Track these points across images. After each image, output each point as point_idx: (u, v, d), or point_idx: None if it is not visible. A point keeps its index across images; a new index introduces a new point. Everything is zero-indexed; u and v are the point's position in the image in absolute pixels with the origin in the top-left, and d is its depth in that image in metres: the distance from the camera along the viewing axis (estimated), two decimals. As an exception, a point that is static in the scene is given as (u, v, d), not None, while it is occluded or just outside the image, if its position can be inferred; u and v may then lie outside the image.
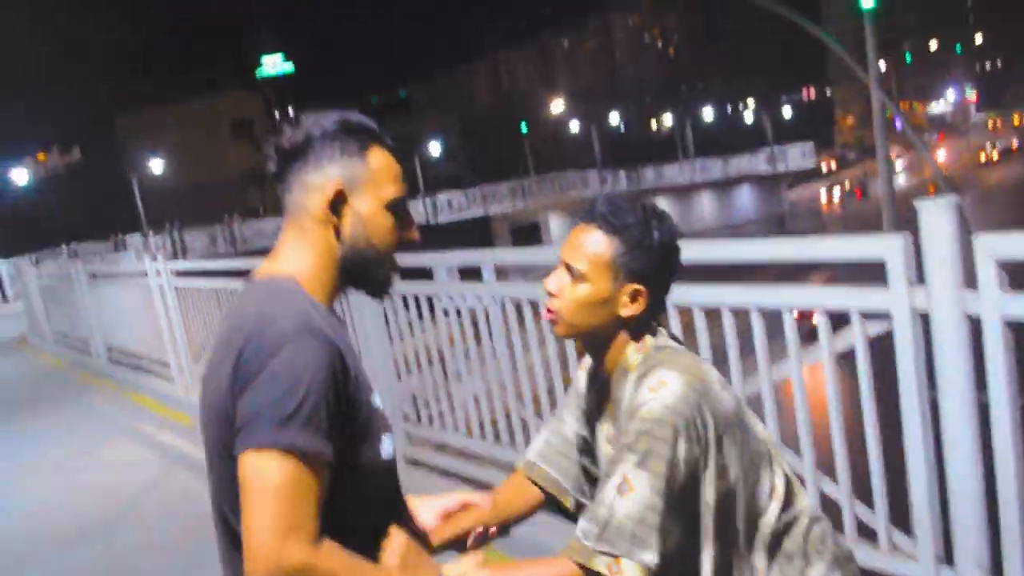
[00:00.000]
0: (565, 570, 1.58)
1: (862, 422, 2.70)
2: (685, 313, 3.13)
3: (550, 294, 1.75)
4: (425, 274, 4.75)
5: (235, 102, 65.67)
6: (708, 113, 77.06)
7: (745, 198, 53.97)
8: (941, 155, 56.97)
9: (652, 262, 1.69)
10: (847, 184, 64.57)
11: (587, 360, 1.92)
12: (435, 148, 64.98)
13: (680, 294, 3.02)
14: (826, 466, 2.90)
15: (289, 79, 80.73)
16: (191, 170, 60.46)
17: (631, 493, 1.56)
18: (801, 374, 2.91)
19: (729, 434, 1.63)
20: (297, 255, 1.52)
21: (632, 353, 1.72)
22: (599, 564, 1.55)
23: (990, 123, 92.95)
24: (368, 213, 1.53)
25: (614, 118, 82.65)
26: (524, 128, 65.07)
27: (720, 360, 2.74)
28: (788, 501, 1.72)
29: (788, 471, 1.76)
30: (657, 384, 1.62)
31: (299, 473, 1.33)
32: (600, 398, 1.86)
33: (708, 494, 1.62)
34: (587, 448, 1.93)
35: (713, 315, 3.06)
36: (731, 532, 1.67)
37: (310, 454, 1.33)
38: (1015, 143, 70.96)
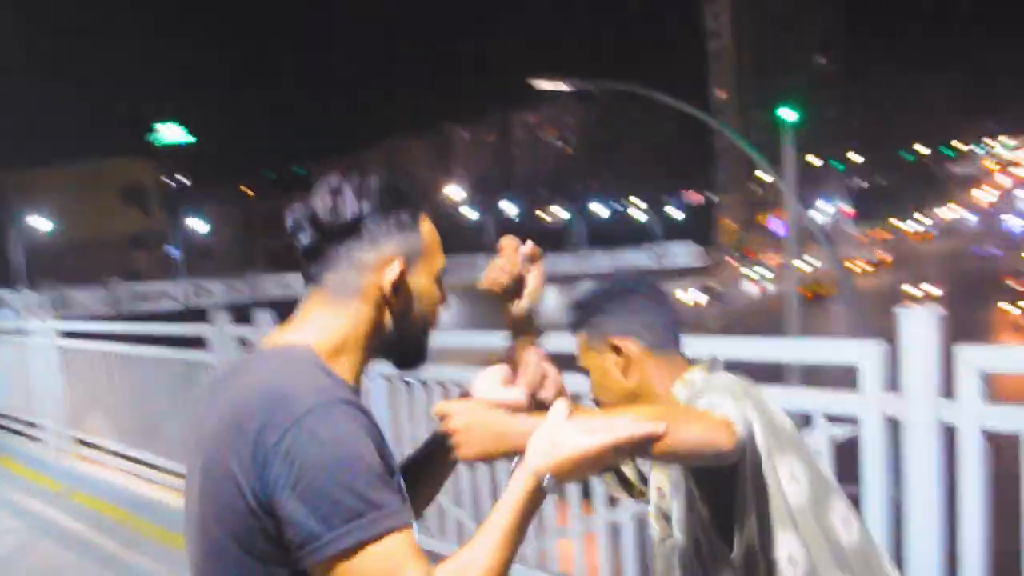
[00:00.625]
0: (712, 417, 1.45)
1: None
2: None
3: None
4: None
5: (126, 165, 64.26)
6: (599, 209, 78.92)
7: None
8: (817, 263, 59.63)
9: (618, 316, 1.79)
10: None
11: None
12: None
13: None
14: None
15: (188, 148, 79.58)
16: (76, 230, 58.57)
17: (717, 409, 1.49)
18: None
19: (792, 447, 1.58)
20: (325, 325, 1.37)
21: (680, 388, 1.74)
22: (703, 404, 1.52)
23: (863, 236, 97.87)
24: (424, 288, 1.43)
25: (509, 207, 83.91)
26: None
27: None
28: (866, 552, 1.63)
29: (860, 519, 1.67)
30: (711, 386, 1.62)
31: (399, 544, 1.19)
32: None
33: (778, 488, 1.55)
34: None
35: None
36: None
37: (404, 522, 1.21)
38: (882, 255, 74.78)
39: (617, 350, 1.78)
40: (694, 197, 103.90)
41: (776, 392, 2.72)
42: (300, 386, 1.25)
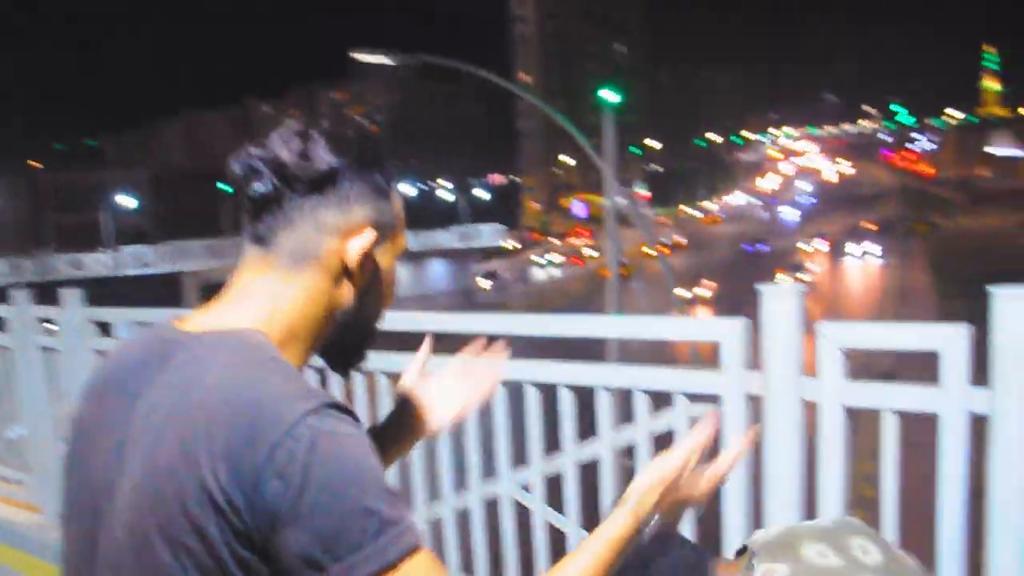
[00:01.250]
0: None
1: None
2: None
3: None
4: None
5: None
6: (407, 189, 78.75)
7: (437, 270, 55.80)
8: (603, 245, 62.23)
9: None
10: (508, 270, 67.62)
11: None
12: (125, 201, 61.43)
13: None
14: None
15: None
16: None
17: None
18: (611, 455, 2.82)
19: None
20: (273, 302, 1.14)
21: None
22: None
23: (659, 218, 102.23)
24: (388, 267, 1.23)
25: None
26: (222, 188, 63.14)
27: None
28: None
29: None
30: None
31: (423, 562, 1.02)
32: None
33: None
34: None
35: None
36: None
37: (420, 535, 1.03)
38: (677, 238, 78.13)
39: None
40: (499, 179, 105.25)
41: (637, 372, 2.71)
42: (278, 388, 1.03)
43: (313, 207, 1.14)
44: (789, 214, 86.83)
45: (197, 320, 1.16)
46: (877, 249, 59.90)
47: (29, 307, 4.72)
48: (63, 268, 36.36)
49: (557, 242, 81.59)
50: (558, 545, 2.86)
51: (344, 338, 1.22)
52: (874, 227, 66.22)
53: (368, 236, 1.17)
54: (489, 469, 3.05)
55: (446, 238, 56.51)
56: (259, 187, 1.13)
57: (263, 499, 0.98)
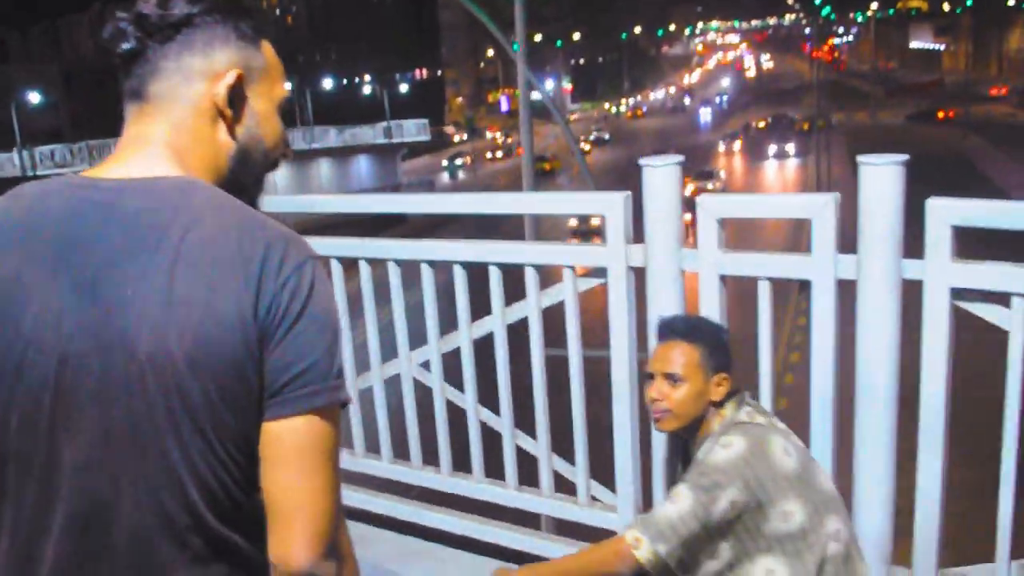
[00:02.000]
0: (608, 546, 2.10)
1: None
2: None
3: (655, 400, 2.15)
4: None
5: None
6: (327, 83, 76.79)
7: (363, 167, 55.03)
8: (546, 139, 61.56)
9: (727, 354, 2.16)
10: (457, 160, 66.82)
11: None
12: (34, 98, 58.75)
13: (387, 249, 2.91)
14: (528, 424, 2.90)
15: None
16: None
17: (676, 503, 2.00)
18: (504, 330, 2.87)
19: (791, 488, 2.00)
20: (174, 152, 1.21)
21: (716, 424, 2.13)
22: (628, 536, 2.02)
23: (587, 113, 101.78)
24: (264, 111, 1.29)
25: (229, 80, 79.87)
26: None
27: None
28: (848, 554, 2.07)
29: (849, 525, 2.13)
30: (727, 443, 2.03)
31: (339, 432, 1.18)
32: (685, 467, 2.23)
33: (769, 528, 2.00)
34: None
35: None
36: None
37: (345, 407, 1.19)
38: (598, 133, 77.45)
39: (720, 383, 2.13)
40: (422, 73, 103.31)
41: (527, 247, 2.75)
42: (278, 227, 1.18)
43: (177, 54, 1.20)
44: (706, 112, 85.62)
45: (111, 172, 1.21)
46: (792, 147, 55.75)
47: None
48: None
49: (466, 146, 79.99)
50: (458, 421, 2.94)
51: (238, 177, 1.27)
52: (802, 124, 63.46)
53: (231, 76, 1.23)
54: (390, 351, 3.08)
55: (370, 134, 55.53)
56: (125, 44, 1.20)
57: (272, 314, 1.12)
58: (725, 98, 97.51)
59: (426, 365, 3.00)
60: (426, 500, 3.16)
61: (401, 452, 3.18)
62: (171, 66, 1.20)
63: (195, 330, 1.09)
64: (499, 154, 70.73)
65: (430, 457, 3.08)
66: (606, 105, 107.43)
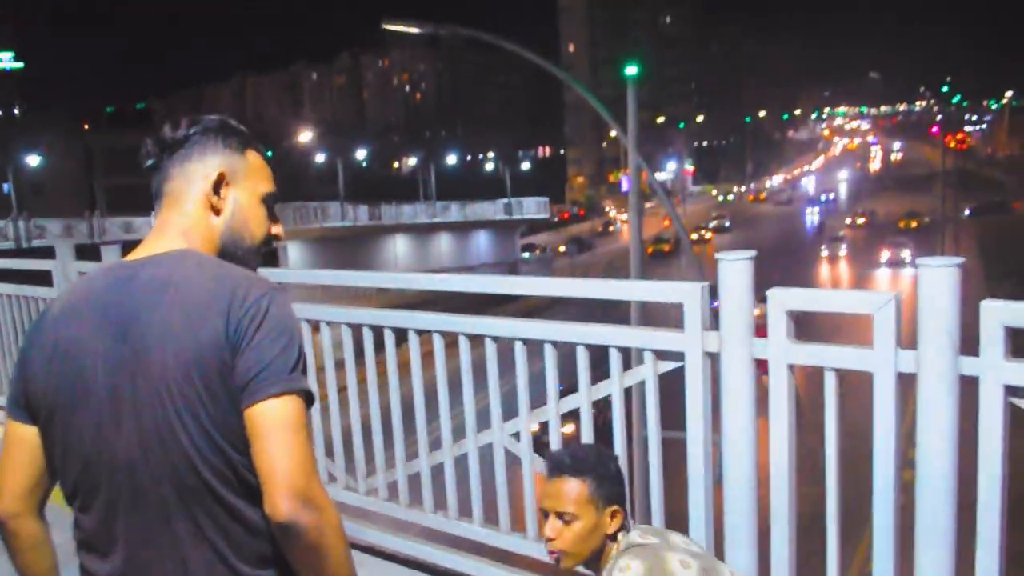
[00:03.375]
0: None
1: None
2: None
3: (550, 540, 2.16)
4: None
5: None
6: (451, 159, 78.72)
7: (482, 242, 55.84)
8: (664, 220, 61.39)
9: (619, 483, 2.18)
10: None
11: None
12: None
13: (485, 326, 3.15)
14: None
15: (13, 76, 74.50)
16: None
17: None
18: (589, 406, 3.05)
19: None
20: (185, 234, 1.67)
21: (614, 552, 2.13)
22: None
23: (711, 193, 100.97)
24: (246, 202, 1.73)
25: (360, 153, 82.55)
26: (269, 155, 63.61)
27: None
28: None
29: None
30: (623, 567, 2.03)
31: (305, 415, 1.53)
32: None
33: None
34: None
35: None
36: None
37: (310, 397, 1.55)
38: (725, 220, 76.29)
39: (614, 515, 2.15)
40: (544, 151, 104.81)
41: (611, 331, 2.95)
42: (244, 274, 1.61)
43: (181, 162, 1.69)
44: (813, 212, 79.64)
45: (138, 253, 1.67)
46: (908, 254, 46.74)
47: (71, 262, 5.08)
48: (114, 231, 36.99)
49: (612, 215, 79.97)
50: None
51: (230, 249, 1.72)
52: (914, 224, 59.48)
53: (215, 175, 1.69)
54: (485, 422, 3.31)
55: (490, 210, 56.47)
56: (148, 160, 1.70)
57: (238, 334, 1.52)
58: (832, 196, 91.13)
59: (516, 436, 3.21)
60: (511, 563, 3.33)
61: (491, 517, 3.37)
62: (179, 172, 1.69)
63: (189, 352, 1.50)
64: (614, 229, 70.90)
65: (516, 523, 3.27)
66: (714, 192, 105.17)
